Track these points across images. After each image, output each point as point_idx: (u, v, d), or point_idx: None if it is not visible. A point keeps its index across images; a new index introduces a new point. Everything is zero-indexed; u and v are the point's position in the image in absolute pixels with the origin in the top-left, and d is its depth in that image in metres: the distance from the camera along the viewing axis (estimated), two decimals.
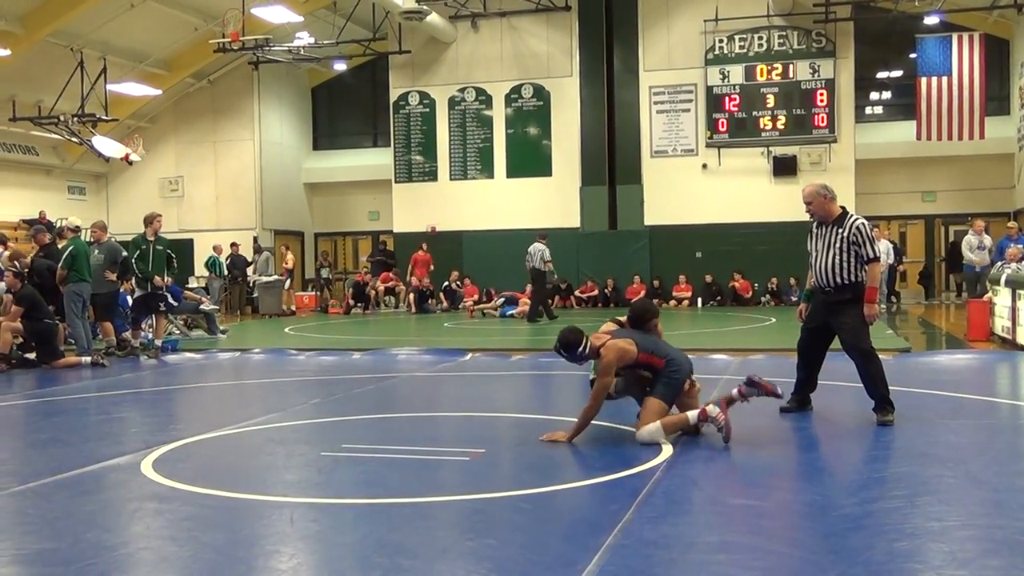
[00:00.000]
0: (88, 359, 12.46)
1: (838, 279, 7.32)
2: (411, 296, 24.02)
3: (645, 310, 7.05)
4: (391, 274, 25.18)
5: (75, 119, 23.29)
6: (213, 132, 27.90)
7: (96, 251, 13.68)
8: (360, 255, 29.51)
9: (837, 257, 7.31)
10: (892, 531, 4.41)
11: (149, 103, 26.83)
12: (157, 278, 13.63)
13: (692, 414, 6.54)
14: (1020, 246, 15.81)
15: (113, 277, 13.57)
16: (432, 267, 24.71)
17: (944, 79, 23.00)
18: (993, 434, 7.03)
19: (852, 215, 7.43)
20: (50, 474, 5.90)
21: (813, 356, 7.71)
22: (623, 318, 6.99)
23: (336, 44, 23.98)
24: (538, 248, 18.98)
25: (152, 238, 13.82)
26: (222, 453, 6.70)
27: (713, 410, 6.51)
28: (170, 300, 14.48)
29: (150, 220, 14.03)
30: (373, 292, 24.73)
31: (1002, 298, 13.34)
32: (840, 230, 7.32)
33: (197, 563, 4.17)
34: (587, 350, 6.47)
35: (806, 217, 7.63)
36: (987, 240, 17.69)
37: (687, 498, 5.18)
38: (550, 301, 23.24)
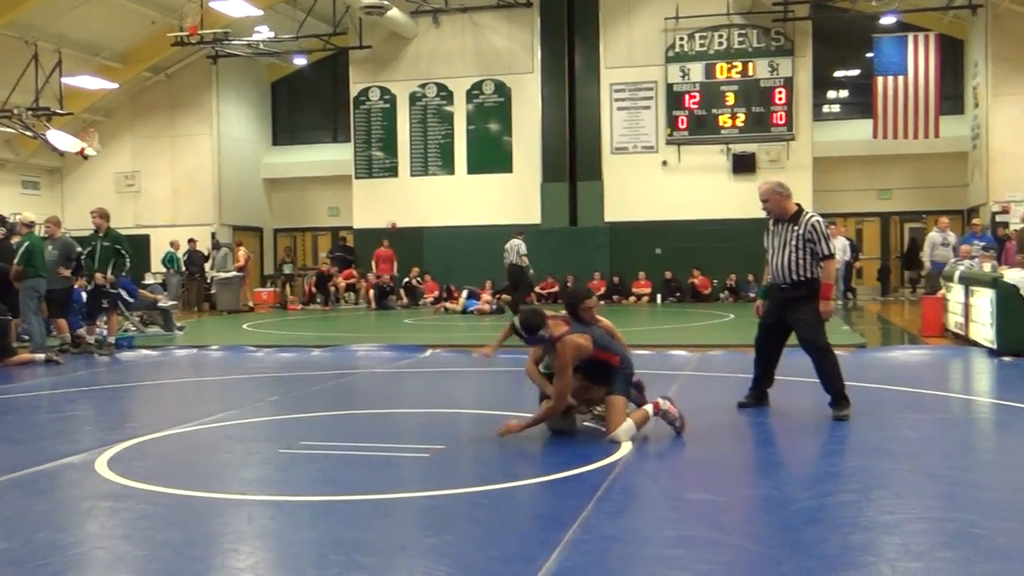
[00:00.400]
0: (42, 356, 12.29)
1: (794, 276, 7.38)
2: (371, 292, 23.93)
3: (575, 295, 7.02)
4: (353, 271, 25.05)
5: (29, 112, 22.92)
6: (170, 127, 27.59)
7: (50, 247, 13.50)
8: (320, 251, 29.33)
9: (793, 254, 7.38)
10: (847, 524, 4.47)
11: (105, 97, 26.47)
12: (98, 275, 13.40)
13: (648, 408, 6.56)
14: (985, 243, 15.99)
15: (67, 273, 13.40)
16: (395, 263, 24.64)
17: (900, 78, 23.28)
18: (946, 428, 7.14)
19: (808, 212, 7.50)
20: (2, 473, 5.81)
21: (770, 352, 7.77)
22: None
23: (296, 38, 23.82)
24: (515, 243, 18.97)
25: (102, 234, 13.65)
26: (179, 451, 6.64)
27: (664, 403, 6.56)
28: (124, 296, 14.30)
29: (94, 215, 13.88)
30: (334, 287, 24.61)
31: (955, 294, 13.54)
32: (796, 227, 7.39)
33: (153, 562, 4.13)
34: (547, 334, 6.42)
35: (764, 214, 7.69)
36: (951, 237, 17.89)
37: (645, 493, 5.20)
38: (507, 297, 23.34)
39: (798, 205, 7.58)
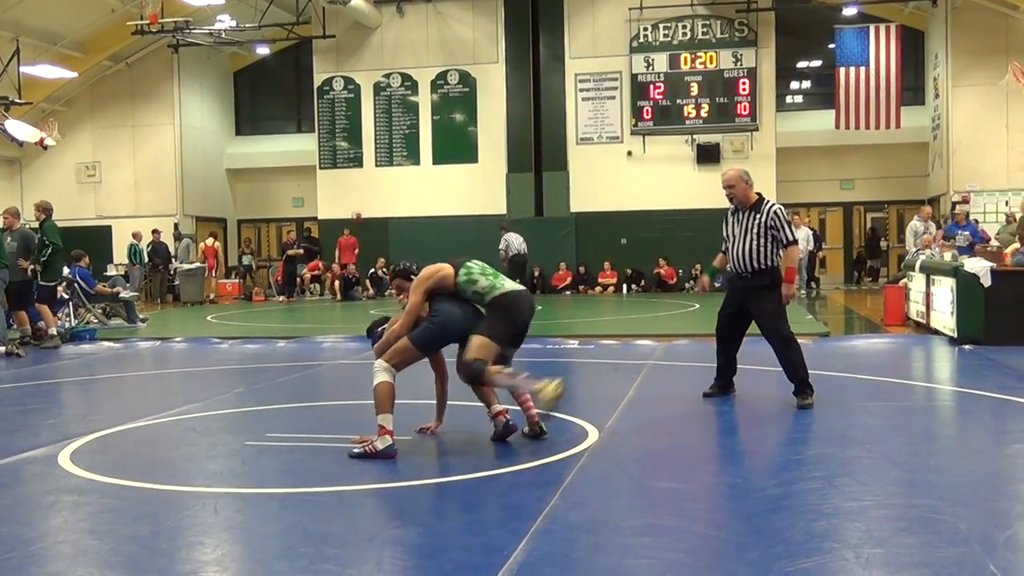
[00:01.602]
0: (2, 349, 12.13)
1: (755, 264, 7.43)
2: (336, 283, 23.84)
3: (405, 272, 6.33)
4: (319, 262, 24.93)
5: None
6: (131, 116, 27.25)
7: (9, 238, 13.31)
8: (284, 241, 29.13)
9: (754, 242, 7.42)
10: (811, 511, 4.52)
11: (64, 86, 26.09)
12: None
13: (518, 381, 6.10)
14: (967, 233, 16.02)
15: (27, 265, 13.22)
16: (357, 251, 24.56)
17: (862, 69, 23.48)
18: (908, 416, 7.23)
19: (769, 201, 7.56)
20: None
21: (731, 341, 7.83)
22: None
23: (259, 27, 23.61)
24: (512, 236, 19.69)
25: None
26: (143, 444, 6.58)
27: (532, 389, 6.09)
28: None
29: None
30: (299, 279, 24.49)
31: (916, 283, 13.70)
32: (758, 216, 7.43)
33: (118, 556, 4.10)
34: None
35: (729, 204, 7.73)
36: (932, 227, 17.95)
37: (612, 482, 5.23)
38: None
39: (759, 194, 7.64)
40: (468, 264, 6.14)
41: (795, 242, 7.52)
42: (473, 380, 5.96)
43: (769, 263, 7.43)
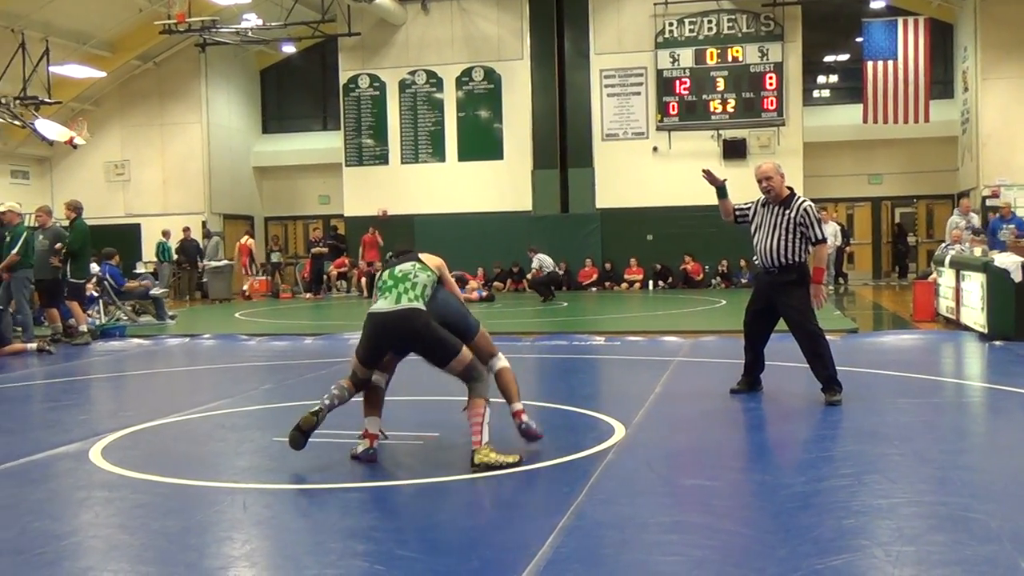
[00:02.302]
0: (34, 346, 12.26)
1: (783, 259, 7.38)
2: (363, 280, 23.92)
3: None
4: (346, 259, 25.02)
5: (17, 102, 22.76)
6: (159, 115, 27.45)
7: (41, 236, 13.47)
8: (310, 239, 29.26)
9: (783, 237, 7.36)
10: (840, 509, 4.49)
11: (93, 85, 26.33)
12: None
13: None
14: (1013, 226, 15.67)
15: (57, 263, 13.36)
16: (382, 247, 24.62)
17: (890, 63, 23.28)
18: (938, 413, 7.17)
19: (799, 197, 7.50)
20: None
21: (758, 337, 7.77)
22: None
23: (284, 26, 23.71)
24: (544, 257, 20.51)
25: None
26: (172, 440, 6.63)
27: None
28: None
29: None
30: (326, 276, 24.60)
31: (946, 279, 13.58)
32: (788, 211, 7.38)
33: (148, 551, 4.13)
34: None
35: (754, 199, 7.68)
36: (975, 219, 17.45)
37: (639, 479, 5.22)
38: (500, 286, 23.52)
39: (790, 189, 7.58)
40: (382, 280, 5.81)
41: (824, 240, 7.46)
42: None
43: (797, 259, 7.37)
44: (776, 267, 7.43)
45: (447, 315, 5.80)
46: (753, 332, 7.76)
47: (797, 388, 7.97)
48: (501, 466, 5.33)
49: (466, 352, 5.68)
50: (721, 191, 7.74)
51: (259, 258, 28.37)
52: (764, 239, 7.46)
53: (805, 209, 7.35)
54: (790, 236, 7.34)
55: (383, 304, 5.66)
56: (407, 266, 5.78)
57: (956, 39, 24.95)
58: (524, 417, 5.88)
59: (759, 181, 7.49)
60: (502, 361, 6.06)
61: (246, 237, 25.88)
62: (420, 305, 5.64)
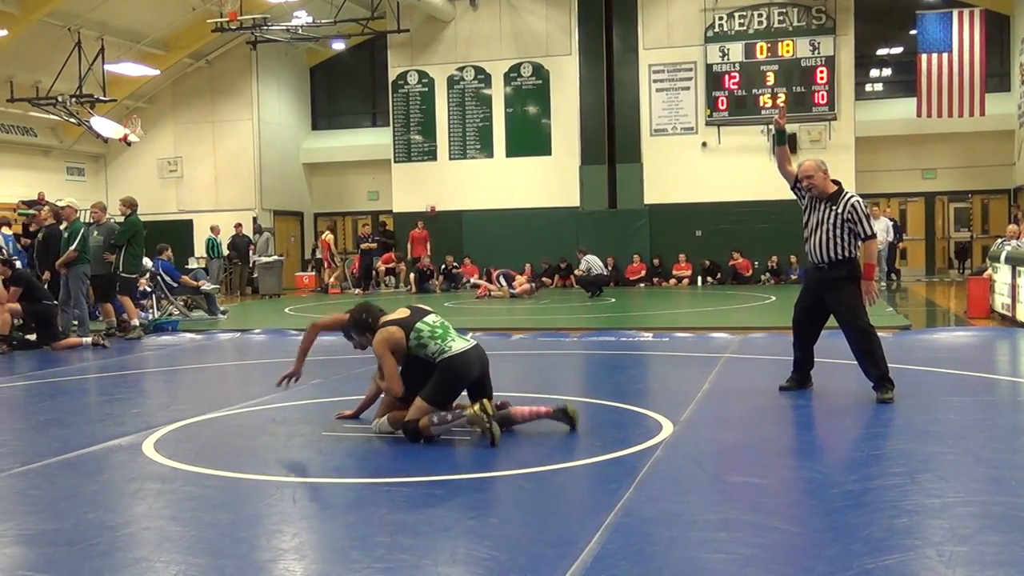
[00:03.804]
0: (89, 340, 12.48)
1: (832, 255, 7.29)
2: (412, 275, 24.04)
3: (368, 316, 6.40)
4: (392, 254, 25.16)
5: (73, 100, 23.18)
6: (211, 112, 27.80)
7: (96, 232, 13.71)
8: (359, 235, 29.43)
9: (830, 233, 7.27)
10: (892, 508, 4.43)
11: (147, 83, 26.73)
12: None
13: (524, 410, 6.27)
14: None
15: (112, 258, 13.59)
16: (429, 244, 24.73)
17: (944, 55, 22.91)
18: (992, 411, 7.05)
19: (847, 192, 7.39)
20: (52, 455, 5.92)
21: (808, 334, 7.68)
22: (422, 305, 6.46)
23: (334, 23, 23.88)
24: (594, 258, 20.71)
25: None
26: (224, 433, 6.72)
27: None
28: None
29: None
30: (374, 271, 24.75)
31: (1002, 275, 13.34)
32: (835, 207, 7.28)
33: (200, 542, 4.19)
34: (356, 335, 6.39)
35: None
36: None
37: (687, 476, 5.19)
38: (548, 281, 23.49)
39: (837, 183, 7.49)
40: (418, 327, 6.11)
41: (874, 236, 7.35)
42: (411, 438, 5.97)
43: (847, 255, 7.27)
44: (826, 263, 7.34)
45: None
46: (802, 329, 7.68)
47: (848, 385, 7.88)
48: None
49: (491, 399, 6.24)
50: (780, 136, 7.73)
51: (304, 254, 28.65)
52: (813, 235, 7.38)
53: (853, 205, 7.25)
54: (838, 232, 7.25)
55: (462, 343, 6.17)
56: (434, 317, 6.26)
57: (1013, 31, 24.47)
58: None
59: (801, 180, 7.41)
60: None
61: (327, 232, 26.10)
62: (474, 342, 6.30)
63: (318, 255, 27.52)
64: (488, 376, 6.29)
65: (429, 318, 6.19)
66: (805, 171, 7.41)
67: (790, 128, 23.61)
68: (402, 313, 6.26)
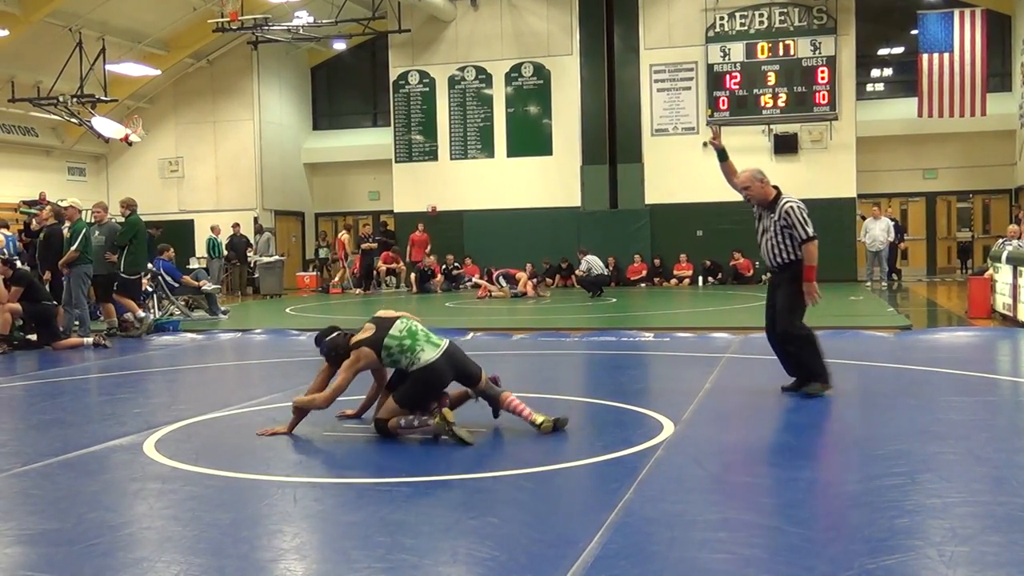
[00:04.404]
0: (90, 340, 12.49)
1: (777, 260, 7.48)
2: (412, 276, 24.04)
3: (335, 347, 6.39)
4: (391, 253, 25.14)
5: (74, 100, 23.20)
6: (212, 112, 27.81)
7: (97, 232, 13.72)
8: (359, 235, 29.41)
9: (773, 239, 7.47)
10: (892, 508, 4.43)
11: (148, 83, 26.74)
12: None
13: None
14: None
15: (114, 258, 13.61)
16: (429, 247, 24.72)
17: (946, 55, 22.90)
18: (994, 411, 7.05)
19: (784, 198, 7.50)
20: (53, 455, 5.92)
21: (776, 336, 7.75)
22: (386, 313, 6.44)
23: (335, 23, 23.88)
24: (595, 258, 20.70)
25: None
26: (224, 433, 6.72)
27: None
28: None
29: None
30: (375, 272, 24.74)
31: (1003, 275, 13.33)
32: (772, 214, 7.43)
33: (201, 542, 4.19)
34: (329, 350, 6.38)
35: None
36: None
37: (688, 476, 5.19)
38: (550, 281, 23.48)
39: (776, 189, 7.58)
40: (386, 343, 6.13)
41: (812, 238, 7.39)
42: (380, 434, 6.11)
43: (790, 258, 7.43)
44: (774, 267, 7.54)
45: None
46: (771, 331, 7.76)
47: (848, 386, 7.88)
48: (562, 421, 6.11)
49: (482, 377, 6.29)
50: (720, 154, 8.02)
51: (305, 254, 28.63)
52: (761, 241, 7.59)
53: (787, 210, 7.37)
54: (780, 238, 7.43)
55: (431, 352, 6.14)
56: (400, 324, 6.23)
57: (1014, 31, 24.46)
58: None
59: (740, 191, 7.63)
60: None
61: (344, 232, 26.11)
62: (444, 343, 6.27)
63: (322, 254, 27.53)
64: (467, 368, 6.26)
65: (395, 329, 6.18)
66: (742, 183, 7.62)
67: (791, 129, 23.74)
68: (368, 331, 6.23)
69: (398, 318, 6.29)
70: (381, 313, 6.42)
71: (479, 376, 6.27)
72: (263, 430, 6.41)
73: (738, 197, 7.86)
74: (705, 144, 24.04)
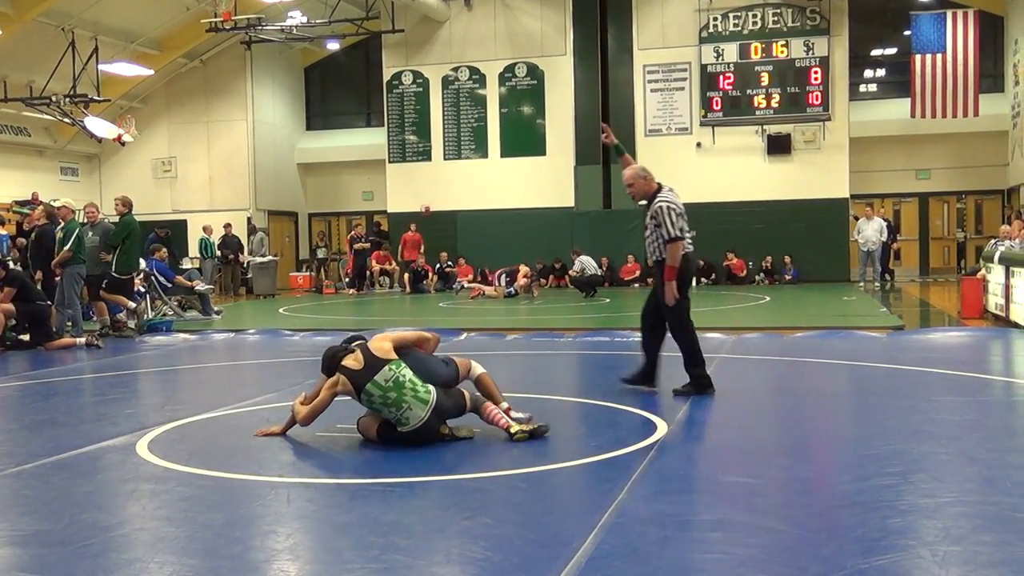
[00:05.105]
0: (83, 340, 12.46)
1: (654, 256, 7.60)
2: (406, 276, 24.02)
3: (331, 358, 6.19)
4: (382, 252, 25.10)
5: (67, 100, 23.14)
6: (206, 112, 27.77)
7: (91, 232, 13.69)
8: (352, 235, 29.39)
9: (649, 236, 7.57)
10: (886, 508, 4.44)
11: (141, 83, 26.68)
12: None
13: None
14: None
15: (108, 258, 13.58)
16: (423, 248, 24.71)
17: (939, 56, 22.95)
18: (986, 411, 7.06)
19: (660, 197, 7.54)
20: (46, 455, 5.91)
21: (651, 328, 7.81)
22: (380, 347, 6.04)
23: (329, 23, 23.85)
24: (588, 259, 20.93)
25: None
26: (217, 434, 6.71)
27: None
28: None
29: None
30: (369, 271, 24.72)
31: (995, 275, 13.37)
32: (648, 210, 7.52)
33: (194, 543, 4.19)
34: (324, 357, 6.21)
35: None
36: None
37: (682, 476, 5.20)
38: (543, 282, 23.49)
39: (659, 186, 7.67)
40: (369, 390, 5.86)
41: (677, 239, 7.41)
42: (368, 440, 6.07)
43: (663, 255, 7.50)
44: (653, 263, 7.68)
45: (430, 372, 6.08)
46: (644, 322, 7.86)
47: (841, 386, 7.90)
48: (540, 430, 5.96)
49: (467, 401, 6.09)
50: (616, 150, 8.27)
51: (299, 254, 28.60)
52: (644, 237, 7.69)
53: (659, 207, 7.45)
54: (653, 234, 7.51)
55: (419, 410, 5.83)
56: (387, 373, 5.86)
57: (1007, 32, 24.53)
58: (512, 413, 6.13)
59: (626, 188, 7.76)
60: (479, 369, 6.33)
61: (353, 232, 26.11)
62: (431, 396, 5.88)
63: (320, 255, 27.47)
64: (456, 409, 6.06)
65: (381, 376, 5.85)
66: (626, 180, 7.73)
67: (784, 129, 23.79)
68: (356, 363, 5.96)
69: (388, 362, 5.91)
70: (376, 346, 6.02)
71: (464, 405, 6.08)
72: (260, 431, 6.39)
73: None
74: (699, 144, 24.25)
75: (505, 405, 6.23)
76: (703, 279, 24.06)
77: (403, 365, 5.95)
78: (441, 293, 23.27)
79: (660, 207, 7.44)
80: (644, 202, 7.72)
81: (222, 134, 27.68)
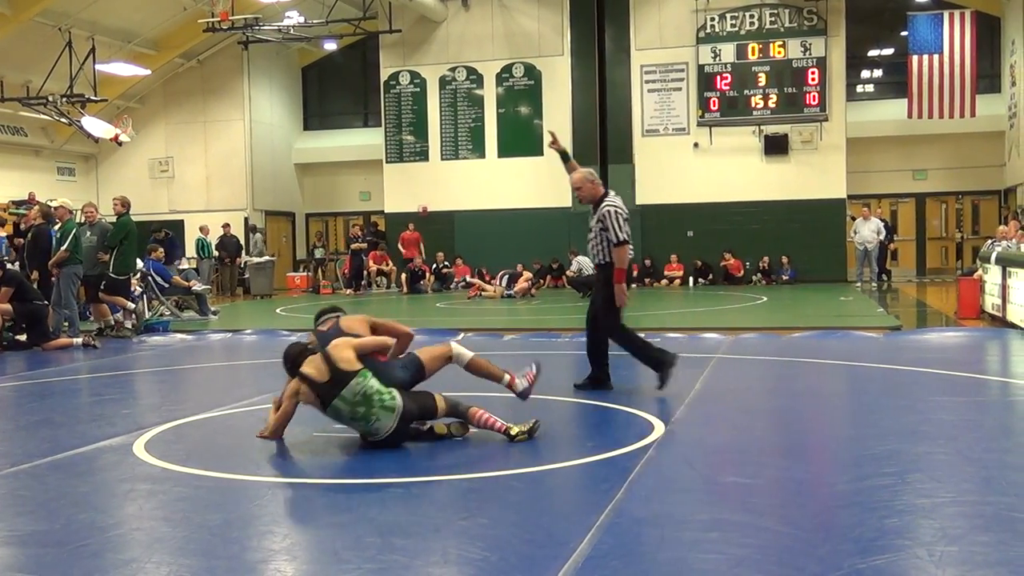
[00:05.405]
0: (79, 340, 12.44)
1: (597, 260, 7.65)
2: (403, 276, 24.01)
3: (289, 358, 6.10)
4: (379, 252, 25.09)
5: (64, 100, 23.11)
6: (203, 112, 27.75)
7: (88, 232, 13.68)
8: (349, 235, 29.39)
9: (594, 239, 7.60)
10: (882, 508, 4.44)
11: (138, 83, 26.66)
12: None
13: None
14: None
15: (106, 258, 13.56)
16: (422, 246, 24.70)
17: (935, 57, 22.98)
18: (983, 411, 7.07)
19: (606, 201, 7.61)
20: (42, 456, 5.90)
21: (593, 336, 7.88)
22: (344, 355, 5.85)
23: (326, 23, 23.85)
24: (586, 259, 20.25)
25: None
26: (215, 434, 6.71)
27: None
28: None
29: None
30: (366, 272, 24.71)
31: (992, 276, 13.38)
32: (594, 214, 7.57)
33: (191, 543, 4.18)
34: (284, 356, 6.14)
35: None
36: None
37: (678, 477, 5.20)
38: (541, 282, 23.53)
39: (606, 192, 7.74)
40: (336, 405, 5.74)
41: (624, 243, 7.48)
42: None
43: (605, 259, 7.56)
44: (596, 267, 7.72)
45: (390, 377, 5.98)
46: (589, 324, 7.90)
47: (838, 386, 7.91)
48: (534, 429, 5.92)
49: (440, 404, 5.97)
50: (563, 156, 8.33)
51: (296, 254, 28.58)
52: (588, 241, 7.73)
53: (605, 212, 7.51)
54: (599, 238, 7.55)
55: (387, 420, 5.73)
56: (355, 387, 5.70)
57: (1003, 32, 24.56)
58: (517, 381, 6.31)
59: (574, 191, 7.85)
60: (466, 353, 6.37)
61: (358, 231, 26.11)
62: (396, 402, 5.75)
63: (318, 255, 27.45)
64: (423, 411, 5.94)
65: (348, 391, 5.70)
66: (574, 184, 7.82)
67: (781, 129, 23.81)
68: (318, 372, 5.80)
69: (355, 374, 5.74)
70: (339, 355, 5.80)
71: (435, 408, 5.95)
72: (259, 433, 6.29)
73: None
74: (696, 145, 24.26)
75: (508, 377, 6.31)
76: (700, 279, 24.09)
77: (368, 375, 5.78)
78: (438, 293, 23.27)
79: (608, 211, 7.52)
80: (591, 205, 7.81)
81: (219, 134, 27.66)
